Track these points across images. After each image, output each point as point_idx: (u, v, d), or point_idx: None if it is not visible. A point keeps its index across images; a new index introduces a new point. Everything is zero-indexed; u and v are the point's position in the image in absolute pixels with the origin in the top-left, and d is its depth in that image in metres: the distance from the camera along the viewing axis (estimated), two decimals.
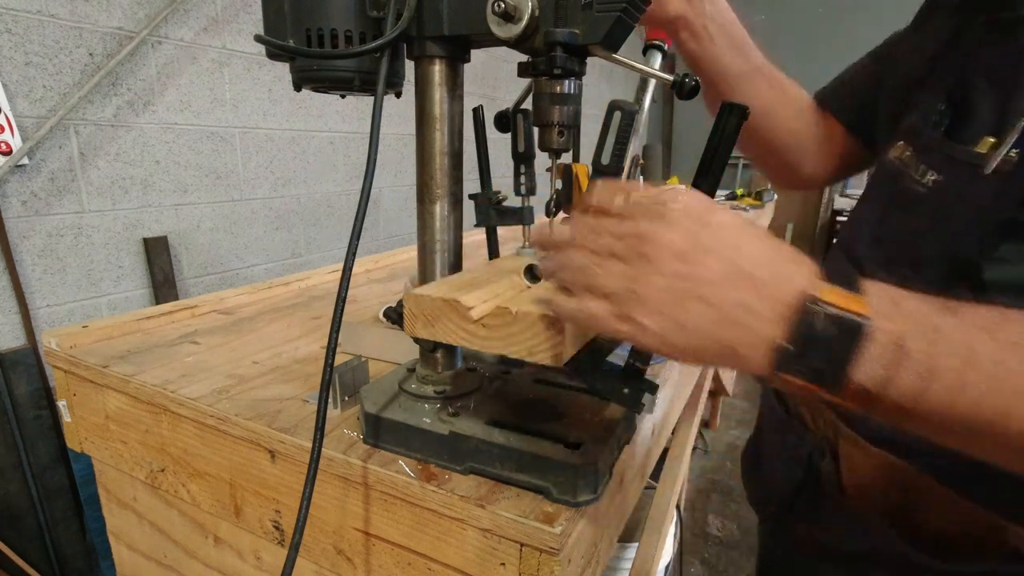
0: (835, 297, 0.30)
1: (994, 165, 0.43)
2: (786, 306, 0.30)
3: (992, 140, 0.44)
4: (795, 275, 0.31)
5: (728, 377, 2.36)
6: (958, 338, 0.29)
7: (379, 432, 0.53)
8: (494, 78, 3.01)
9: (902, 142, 0.55)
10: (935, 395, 0.29)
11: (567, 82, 0.47)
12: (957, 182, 0.48)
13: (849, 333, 0.29)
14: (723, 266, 0.31)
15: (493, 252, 0.66)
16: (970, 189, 0.47)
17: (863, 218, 0.61)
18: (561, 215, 0.62)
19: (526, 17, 0.44)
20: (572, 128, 0.48)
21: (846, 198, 4.50)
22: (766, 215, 2.50)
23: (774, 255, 0.32)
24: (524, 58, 0.49)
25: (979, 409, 0.29)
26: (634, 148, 0.53)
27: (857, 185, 4.13)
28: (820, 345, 0.29)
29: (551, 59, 0.45)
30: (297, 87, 0.54)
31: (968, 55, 0.50)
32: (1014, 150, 0.43)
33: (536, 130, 0.50)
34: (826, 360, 0.29)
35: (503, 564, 0.46)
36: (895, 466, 0.50)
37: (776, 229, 4.37)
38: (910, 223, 0.53)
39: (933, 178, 0.50)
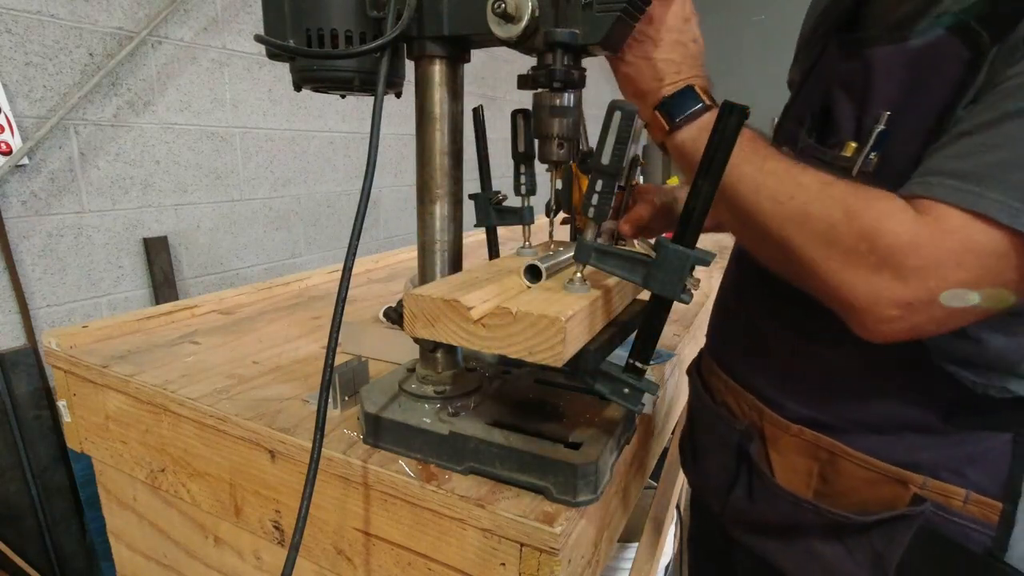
0: (703, 94, 0.52)
1: (858, 167, 0.51)
2: (684, 81, 0.52)
3: (855, 145, 0.51)
4: (693, 73, 0.52)
5: None
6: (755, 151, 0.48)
7: (379, 432, 0.53)
8: (494, 78, 3.01)
9: (785, 146, 0.60)
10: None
11: (567, 95, 0.47)
12: None
13: (702, 109, 0.50)
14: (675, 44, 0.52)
15: (493, 252, 0.66)
16: None
17: None
18: (561, 215, 0.62)
19: (526, 17, 0.44)
20: (572, 140, 0.48)
21: None
22: None
23: (696, 55, 0.53)
24: (525, 58, 0.49)
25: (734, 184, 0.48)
26: (634, 148, 0.53)
27: None
28: (682, 101, 0.51)
29: (551, 72, 0.45)
30: (297, 87, 0.54)
31: (828, 71, 0.57)
32: (873, 153, 0.50)
33: (536, 141, 0.50)
34: (681, 111, 0.50)
35: (503, 564, 0.46)
36: (814, 440, 0.57)
37: None
38: None
39: None
